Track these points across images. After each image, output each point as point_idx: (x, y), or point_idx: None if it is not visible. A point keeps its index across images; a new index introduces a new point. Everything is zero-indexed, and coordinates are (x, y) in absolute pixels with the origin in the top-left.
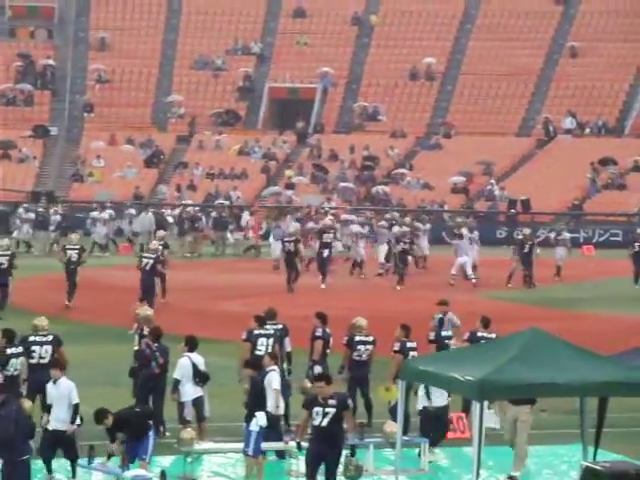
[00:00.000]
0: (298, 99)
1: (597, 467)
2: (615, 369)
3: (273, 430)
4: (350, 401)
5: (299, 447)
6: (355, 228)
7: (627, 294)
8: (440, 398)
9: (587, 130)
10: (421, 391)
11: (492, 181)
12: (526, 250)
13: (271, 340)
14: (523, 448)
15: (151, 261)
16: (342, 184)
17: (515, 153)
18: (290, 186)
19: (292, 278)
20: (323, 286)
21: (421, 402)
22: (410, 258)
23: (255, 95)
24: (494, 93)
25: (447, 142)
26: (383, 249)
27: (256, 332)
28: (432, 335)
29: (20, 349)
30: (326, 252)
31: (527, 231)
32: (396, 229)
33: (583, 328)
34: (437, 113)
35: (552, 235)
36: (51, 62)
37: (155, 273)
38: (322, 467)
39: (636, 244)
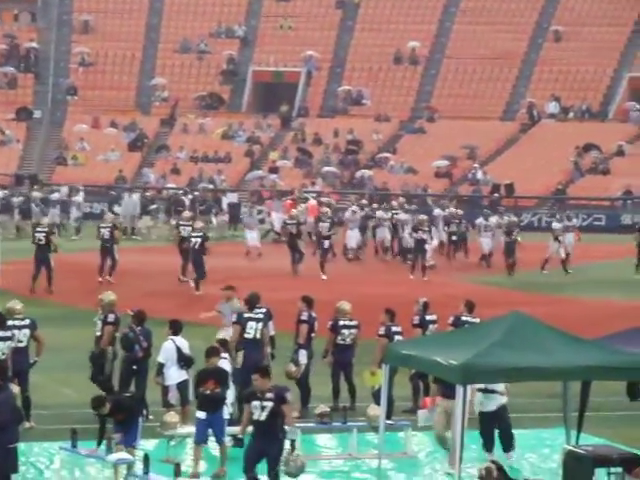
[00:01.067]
0: (282, 83)
1: (580, 451)
2: (598, 353)
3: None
4: (288, 394)
5: (240, 442)
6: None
7: (610, 278)
8: (492, 402)
9: (571, 114)
10: (475, 398)
11: (476, 165)
12: (513, 237)
13: (260, 324)
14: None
15: (199, 240)
16: (326, 168)
17: (499, 137)
18: (274, 170)
19: (296, 260)
20: (324, 277)
21: (477, 407)
22: (427, 247)
23: (239, 78)
24: (478, 77)
25: (431, 126)
26: (354, 234)
27: (246, 315)
28: (417, 319)
29: (9, 333)
30: (326, 243)
31: (513, 218)
32: (404, 217)
33: (566, 312)
34: (421, 97)
35: (561, 225)
36: (34, 45)
37: (203, 251)
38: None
39: None
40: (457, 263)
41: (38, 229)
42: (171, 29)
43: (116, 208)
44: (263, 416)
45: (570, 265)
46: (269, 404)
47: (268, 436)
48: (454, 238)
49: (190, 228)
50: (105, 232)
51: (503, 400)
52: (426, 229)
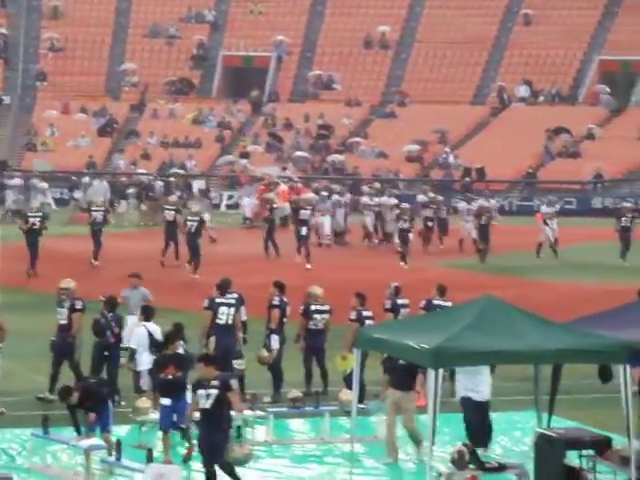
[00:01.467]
0: (252, 67)
1: (551, 434)
2: (569, 336)
3: None
4: (234, 382)
5: (186, 433)
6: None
7: (581, 262)
8: (479, 394)
9: (541, 98)
10: (459, 382)
11: (447, 149)
12: (483, 222)
13: (232, 309)
14: (416, 432)
15: (195, 224)
16: (297, 153)
17: (470, 121)
18: (245, 155)
19: (269, 245)
20: (308, 266)
21: (460, 392)
22: (411, 236)
23: (209, 63)
24: (448, 61)
25: (402, 110)
26: (327, 220)
27: (217, 301)
28: (388, 303)
29: None
30: (304, 230)
31: (488, 202)
32: (393, 201)
33: (537, 296)
34: (392, 81)
35: (551, 209)
36: (3, 31)
37: (200, 235)
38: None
39: (623, 218)
40: (431, 247)
41: (30, 214)
42: (141, 14)
43: (76, 194)
44: (208, 404)
45: (544, 249)
46: (214, 392)
47: (214, 424)
48: (429, 224)
49: (173, 212)
50: (98, 215)
51: (486, 395)
52: (407, 217)
